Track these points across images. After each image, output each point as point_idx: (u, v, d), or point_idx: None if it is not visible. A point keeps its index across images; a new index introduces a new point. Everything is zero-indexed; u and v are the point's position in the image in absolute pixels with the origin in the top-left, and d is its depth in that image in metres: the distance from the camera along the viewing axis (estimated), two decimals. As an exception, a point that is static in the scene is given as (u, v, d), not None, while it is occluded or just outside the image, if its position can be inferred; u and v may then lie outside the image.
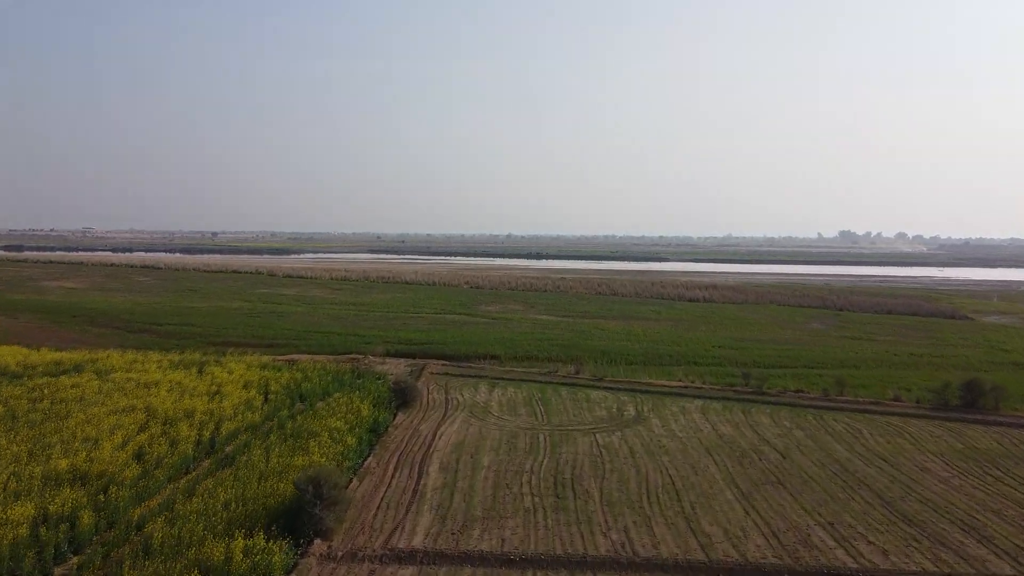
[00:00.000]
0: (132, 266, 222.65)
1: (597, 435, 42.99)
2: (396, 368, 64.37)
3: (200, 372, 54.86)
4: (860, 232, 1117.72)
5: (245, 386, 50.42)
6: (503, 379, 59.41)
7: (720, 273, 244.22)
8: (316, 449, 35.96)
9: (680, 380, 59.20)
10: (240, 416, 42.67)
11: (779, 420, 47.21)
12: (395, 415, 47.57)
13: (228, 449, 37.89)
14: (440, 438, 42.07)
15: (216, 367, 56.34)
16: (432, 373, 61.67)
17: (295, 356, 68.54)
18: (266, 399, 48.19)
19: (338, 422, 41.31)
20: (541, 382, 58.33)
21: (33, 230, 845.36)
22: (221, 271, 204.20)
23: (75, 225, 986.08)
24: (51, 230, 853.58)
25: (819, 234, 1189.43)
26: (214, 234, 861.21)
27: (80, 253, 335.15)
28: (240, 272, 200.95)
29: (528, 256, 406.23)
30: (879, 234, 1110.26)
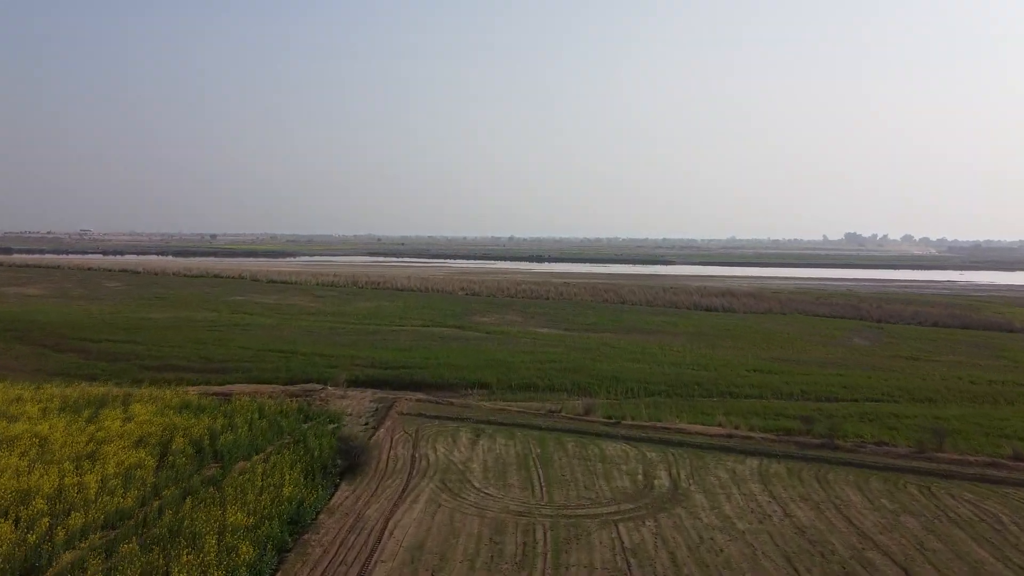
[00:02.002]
0: (109, 270, 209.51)
1: (620, 527, 29.67)
2: (359, 404, 51.21)
3: (93, 417, 41.59)
4: (866, 234, 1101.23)
5: (139, 442, 37.18)
6: (491, 423, 46.04)
7: (731, 277, 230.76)
8: (182, 576, 22.74)
9: (720, 425, 45.80)
10: (105, 499, 29.37)
11: (873, 496, 33.80)
12: (337, 486, 34.35)
13: (52, 570, 24.58)
14: (391, 534, 28.77)
15: (116, 410, 43.06)
16: (401, 413, 48.36)
17: (236, 387, 55.28)
18: (162, 462, 35.02)
19: (240, 513, 28.04)
20: (540, 428, 44.94)
21: (29, 232, 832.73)
22: (200, 276, 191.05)
23: (75, 227, 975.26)
24: (48, 232, 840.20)
25: (824, 236, 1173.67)
26: (212, 236, 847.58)
27: (66, 256, 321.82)
28: (221, 277, 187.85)
29: (530, 259, 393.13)
30: (885, 236, 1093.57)
